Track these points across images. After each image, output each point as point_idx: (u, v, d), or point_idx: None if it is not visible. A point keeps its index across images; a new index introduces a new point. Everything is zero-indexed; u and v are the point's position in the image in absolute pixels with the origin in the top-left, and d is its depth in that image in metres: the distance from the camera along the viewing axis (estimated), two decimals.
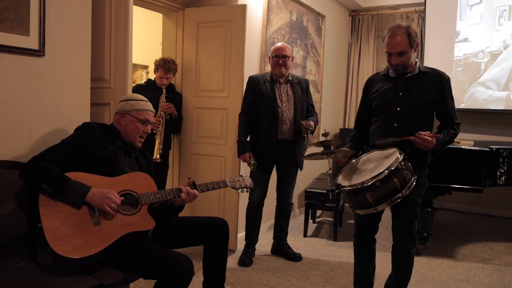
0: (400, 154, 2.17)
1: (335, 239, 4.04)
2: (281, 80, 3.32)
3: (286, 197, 3.48)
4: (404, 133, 2.30)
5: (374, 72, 5.74)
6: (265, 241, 3.84)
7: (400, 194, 2.12)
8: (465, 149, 3.73)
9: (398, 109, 2.35)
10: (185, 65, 3.80)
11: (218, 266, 2.32)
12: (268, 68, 3.96)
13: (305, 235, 4.13)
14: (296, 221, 4.69)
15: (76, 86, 2.37)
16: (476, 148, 3.73)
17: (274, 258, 3.52)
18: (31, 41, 2.14)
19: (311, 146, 3.40)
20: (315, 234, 4.24)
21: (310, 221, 4.42)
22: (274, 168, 3.45)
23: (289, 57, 3.24)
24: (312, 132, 3.29)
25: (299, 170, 3.47)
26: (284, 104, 3.28)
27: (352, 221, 4.73)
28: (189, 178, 2.22)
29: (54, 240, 1.76)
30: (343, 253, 3.71)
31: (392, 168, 2.10)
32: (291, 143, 3.33)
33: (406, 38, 2.28)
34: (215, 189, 2.25)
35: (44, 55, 2.19)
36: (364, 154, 2.43)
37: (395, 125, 2.35)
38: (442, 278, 3.24)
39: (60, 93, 2.28)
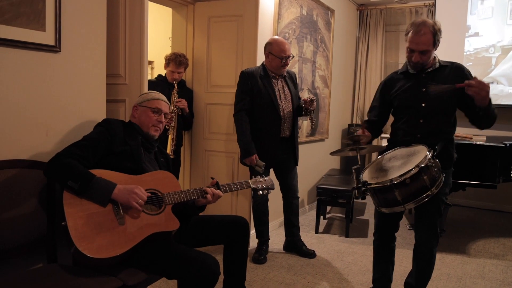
0: (429, 152, 2.13)
1: (347, 235, 4.01)
2: (277, 76, 3.24)
3: (293, 193, 3.44)
4: (430, 128, 2.28)
5: (383, 67, 5.76)
6: (276, 238, 3.80)
7: (429, 192, 2.08)
8: (479, 145, 3.70)
9: (423, 105, 2.31)
10: (196, 61, 3.74)
11: (239, 265, 2.28)
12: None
13: (316, 232, 4.10)
14: (306, 217, 4.66)
15: (92, 82, 2.32)
16: (491, 144, 3.70)
17: (287, 255, 3.49)
18: (47, 37, 2.08)
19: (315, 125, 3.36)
20: (327, 231, 4.21)
21: (321, 217, 4.38)
22: None
23: (292, 56, 3.19)
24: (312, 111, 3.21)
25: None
26: (283, 102, 3.21)
27: (362, 217, 4.73)
28: (212, 178, 2.18)
29: (79, 239, 1.72)
30: (356, 249, 3.68)
31: (422, 165, 2.06)
32: (289, 140, 3.29)
33: (431, 37, 2.23)
34: (237, 190, 2.21)
35: (60, 51, 2.14)
36: (389, 151, 2.39)
37: (421, 120, 2.32)
38: (457, 274, 3.22)
39: (76, 89, 2.24)
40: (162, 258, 1.85)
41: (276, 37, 3.27)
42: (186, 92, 3.64)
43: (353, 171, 2.39)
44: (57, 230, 2.04)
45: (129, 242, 1.82)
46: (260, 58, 3.59)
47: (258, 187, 2.30)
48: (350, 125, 5.73)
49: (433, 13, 5.26)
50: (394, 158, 2.33)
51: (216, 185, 2.15)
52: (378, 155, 2.48)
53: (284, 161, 3.33)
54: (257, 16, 3.42)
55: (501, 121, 5.01)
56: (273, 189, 2.36)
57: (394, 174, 2.14)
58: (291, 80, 3.32)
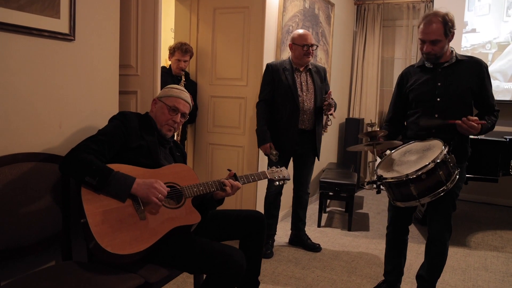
0: (444, 147, 2.13)
1: (349, 228, 4.02)
2: (301, 69, 3.23)
3: (304, 188, 3.43)
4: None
5: (379, 62, 5.78)
6: (280, 231, 3.78)
7: (444, 187, 2.08)
8: (482, 139, 3.74)
9: (438, 99, 2.31)
10: (200, 53, 3.69)
11: (255, 259, 2.25)
12: (284, 56, 3.89)
13: (319, 225, 4.10)
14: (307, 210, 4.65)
15: (105, 73, 2.25)
16: (494, 138, 3.74)
17: (293, 249, 3.48)
18: (61, 24, 2.00)
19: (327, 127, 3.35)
20: (328, 224, 4.22)
21: None
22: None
23: (316, 46, 3.16)
24: (334, 108, 3.18)
25: (316, 159, 3.42)
26: (304, 94, 3.20)
27: (362, 211, 4.75)
28: (229, 170, 2.14)
29: (101, 236, 1.66)
30: (360, 243, 3.69)
31: (438, 161, 2.06)
32: (310, 133, 3.27)
33: (441, 27, 2.23)
34: (255, 181, 2.18)
35: (74, 40, 2.06)
36: (403, 145, 2.38)
37: (436, 116, 2.31)
38: (461, 266, 3.26)
39: (89, 80, 2.16)
40: (186, 253, 1.81)
41: (302, 30, 3.23)
42: (190, 85, 3.58)
43: (369, 165, 2.38)
44: (72, 227, 1.98)
45: (152, 237, 1.77)
46: (267, 51, 3.57)
47: (274, 177, 2.27)
48: (347, 120, 5.74)
49: (430, 9, 5.28)
50: (409, 152, 2.33)
51: (234, 177, 2.11)
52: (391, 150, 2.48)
53: (302, 154, 3.32)
54: (264, 8, 3.39)
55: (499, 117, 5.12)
56: (288, 179, 2.33)
57: (410, 169, 2.14)
58: (318, 74, 3.28)
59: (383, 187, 2.23)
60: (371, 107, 5.87)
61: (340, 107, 5.81)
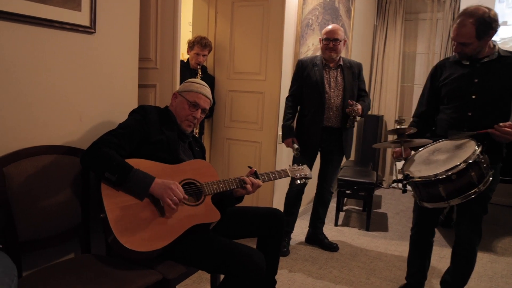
0: (477, 146, 2.03)
1: (367, 228, 3.94)
2: (331, 65, 3.15)
3: (328, 186, 3.37)
4: (479, 122, 2.16)
5: (401, 57, 5.65)
6: (297, 229, 3.73)
7: (476, 189, 1.98)
8: None
9: (474, 96, 2.18)
10: (218, 46, 3.63)
11: (272, 258, 2.21)
12: (304, 50, 3.82)
13: (336, 224, 4.03)
14: None
15: (125, 66, 2.22)
16: None
17: (310, 248, 3.42)
18: (82, 17, 1.97)
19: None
20: (345, 223, 4.15)
21: None
22: (318, 156, 3.33)
23: (340, 41, 3.08)
24: (360, 116, 3.11)
25: (345, 158, 3.35)
26: (332, 90, 3.12)
27: (380, 210, 4.67)
28: (250, 167, 2.09)
29: (121, 232, 1.64)
30: (379, 243, 3.62)
31: (470, 161, 1.96)
32: (337, 131, 3.19)
33: (473, 30, 2.07)
34: (276, 179, 2.13)
35: (95, 32, 2.03)
36: (432, 143, 2.29)
37: (470, 114, 2.20)
38: (488, 273, 3.14)
39: (109, 73, 2.13)
40: (205, 252, 1.78)
41: (331, 25, 3.16)
42: (207, 79, 3.53)
43: (395, 163, 2.30)
44: (91, 220, 1.97)
45: (171, 234, 1.74)
46: (286, 45, 3.50)
47: (296, 175, 2.22)
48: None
49: (457, 1, 5.12)
50: (438, 151, 2.23)
51: (255, 174, 2.06)
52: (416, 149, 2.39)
53: (328, 152, 3.27)
54: (284, 1, 3.31)
55: None
56: (310, 178, 2.28)
57: (439, 168, 2.05)
58: (351, 70, 3.19)
59: (409, 187, 2.15)
60: (391, 103, 5.75)
61: None
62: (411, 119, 2.55)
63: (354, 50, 5.18)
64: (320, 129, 3.12)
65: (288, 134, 3.15)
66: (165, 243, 1.70)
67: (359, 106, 3.06)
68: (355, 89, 3.21)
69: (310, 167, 3.23)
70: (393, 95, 5.74)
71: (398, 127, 2.24)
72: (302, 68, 3.15)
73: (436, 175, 2.00)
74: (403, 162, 2.31)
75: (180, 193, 1.77)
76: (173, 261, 1.83)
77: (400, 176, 2.17)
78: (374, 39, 5.92)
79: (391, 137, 2.35)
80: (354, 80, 3.20)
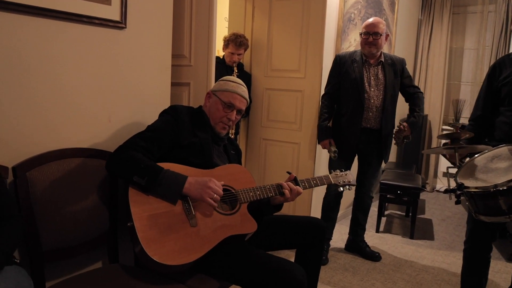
0: None
1: (411, 236, 3.69)
2: (372, 61, 2.92)
3: (367, 190, 3.15)
4: None
5: (447, 53, 5.30)
6: (336, 235, 3.52)
7: None
8: None
9: None
10: (255, 43, 3.48)
11: (313, 271, 2.04)
12: (345, 46, 3.61)
13: (377, 231, 3.80)
14: None
15: (157, 63, 2.09)
16: None
17: (350, 256, 3.22)
18: (112, 11, 1.86)
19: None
20: (387, 230, 3.90)
21: None
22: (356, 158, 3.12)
23: (381, 35, 2.85)
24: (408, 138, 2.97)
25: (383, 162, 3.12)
26: (372, 89, 2.90)
27: (424, 216, 4.38)
28: (289, 173, 1.92)
29: (148, 243, 1.51)
30: (425, 254, 3.36)
31: None
32: (376, 132, 2.97)
33: None
34: (317, 186, 1.95)
35: (125, 27, 1.91)
36: (491, 149, 2.04)
37: None
38: None
39: (140, 71, 2.01)
40: (240, 265, 1.62)
41: (372, 18, 2.95)
42: (243, 76, 3.38)
43: (447, 171, 2.07)
44: (119, 227, 1.85)
45: (203, 247, 1.59)
46: (327, 42, 3.29)
47: (339, 182, 2.03)
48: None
49: None
50: (498, 158, 1.98)
51: (294, 181, 1.89)
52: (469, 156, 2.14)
53: (366, 155, 3.05)
54: None
55: None
56: (354, 185, 2.08)
57: (499, 178, 1.80)
58: (393, 68, 2.95)
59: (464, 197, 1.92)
60: (436, 102, 5.41)
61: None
62: (468, 122, 2.31)
63: (398, 46, 4.89)
64: (358, 130, 2.91)
65: (325, 135, 2.97)
66: (196, 256, 1.56)
67: (407, 130, 2.90)
68: (397, 88, 2.98)
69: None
70: (438, 94, 5.40)
71: (453, 131, 2.00)
72: (340, 64, 2.94)
73: (496, 185, 1.75)
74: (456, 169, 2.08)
75: (220, 189, 1.63)
76: (205, 274, 1.69)
77: (453, 186, 1.94)
78: (418, 34, 5.59)
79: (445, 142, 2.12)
80: (396, 78, 2.95)
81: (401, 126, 2.93)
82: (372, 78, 2.91)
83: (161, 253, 1.51)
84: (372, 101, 2.89)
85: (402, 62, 3.02)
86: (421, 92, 3.06)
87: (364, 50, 2.91)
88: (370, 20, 2.90)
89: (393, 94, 2.94)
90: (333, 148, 2.90)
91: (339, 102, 2.98)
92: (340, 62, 2.94)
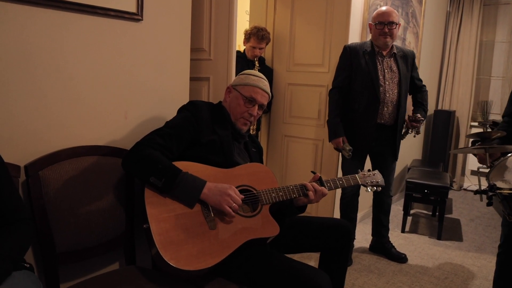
0: None
1: (439, 237, 3.53)
2: (384, 53, 2.76)
3: (386, 190, 2.99)
4: None
5: (477, 46, 5.08)
6: (359, 235, 3.40)
7: None
8: None
9: None
10: (277, 36, 3.37)
11: (338, 276, 1.93)
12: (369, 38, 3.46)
13: (403, 231, 3.66)
14: None
15: (175, 57, 2.01)
16: None
17: (375, 257, 3.09)
18: (128, 3, 1.78)
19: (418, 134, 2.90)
20: (413, 230, 3.75)
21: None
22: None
23: (396, 24, 2.68)
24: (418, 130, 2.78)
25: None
26: (387, 83, 2.74)
27: (451, 216, 4.21)
28: (313, 172, 1.82)
29: (165, 246, 1.43)
30: (453, 256, 3.21)
31: None
32: (390, 129, 2.83)
33: None
34: (343, 187, 1.84)
35: (142, 20, 1.84)
36: None
37: None
38: None
39: (157, 65, 1.94)
40: (262, 271, 1.53)
41: (384, 7, 2.78)
42: (265, 71, 3.28)
43: (478, 170, 1.93)
44: (136, 228, 1.79)
45: (223, 251, 1.51)
46: (352, 35, 3.16)
47: (366, 183, 1.91)
48: (436, 112, 5.13)
49: None
50: None
51: (319, 181, 1.78)
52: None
53: (380, 153, 2.90)
54: None
55: None
56: (383, 185, 1.96)
57: None
58: (404, 60, 2.80)
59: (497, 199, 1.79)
60: (464, 98, 5.20)
61: (429, 97, 5.24)
62: (502, 120, 2.16)
63: (425, 40, 4.70)
64: (373, 127, 2.75)
65: (337, 133, 2.75)
66: (215, 260, 1.48)
67: (418, 116, 2.76)
68: (409, 82, 2.83)
69: (361, 168, 2.90)
70: (467, 89, 5.18)
71: (484, 130, 1.86)
72: (352, 56, 2.73)
73: None
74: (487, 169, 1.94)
75: (239, 198, 1.55)
76: (225, 279, 1.61)
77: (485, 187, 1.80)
78: (446, 26, 5.37)
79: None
80: (408, 71, 2.81)
81: (417, 116, 2.75)
82: (386, 70, 2.75)
83: (178, 257, 1.43)
84: (388, 95, 2.74)
85: (413, 55, 2.87)
86: (425, 88, 2.93)
87: (378, 42, 2.73)
88: (383, 8, 2.72)
89: (406, 89, 2.80)
90: (348, 147, 2.72)
91: (350, 96, 2.79)
92: (351, 53, 2.74)
